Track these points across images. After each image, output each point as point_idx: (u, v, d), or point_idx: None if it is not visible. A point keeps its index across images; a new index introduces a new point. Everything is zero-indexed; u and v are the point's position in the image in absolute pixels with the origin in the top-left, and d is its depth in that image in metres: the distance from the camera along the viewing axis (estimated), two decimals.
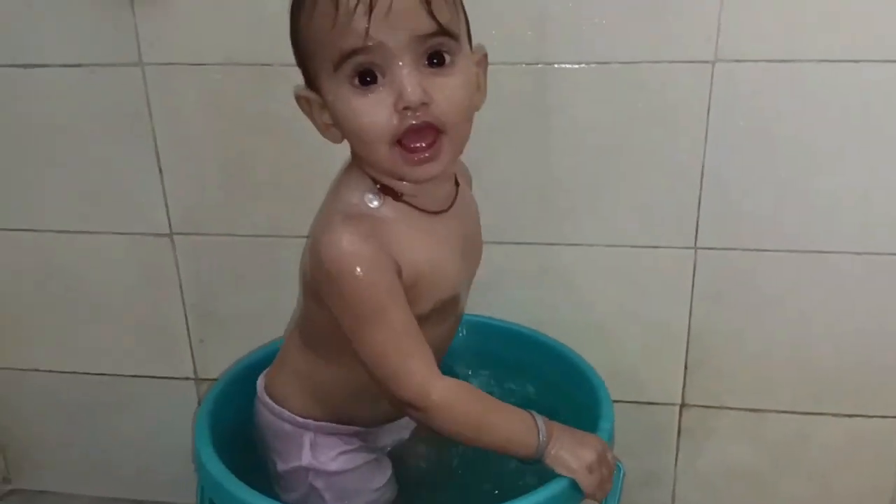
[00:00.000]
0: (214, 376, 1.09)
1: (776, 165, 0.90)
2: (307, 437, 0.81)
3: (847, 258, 0.92)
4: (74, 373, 1.15)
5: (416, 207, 0.73)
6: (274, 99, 0.91)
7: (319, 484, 0.81)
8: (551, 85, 0.90)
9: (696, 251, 0.95)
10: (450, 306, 0.78)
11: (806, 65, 0.85)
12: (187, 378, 1.13)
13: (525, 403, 0.73)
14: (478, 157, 0.82)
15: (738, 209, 0.92)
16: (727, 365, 1.00)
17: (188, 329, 1.09)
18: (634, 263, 0.97)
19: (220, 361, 1.02)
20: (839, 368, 0.98)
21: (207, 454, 0.75)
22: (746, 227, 0.93)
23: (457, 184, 0.78)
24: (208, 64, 0.94)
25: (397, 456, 0.88)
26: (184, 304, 1.08)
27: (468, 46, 0.70)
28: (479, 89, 0.71)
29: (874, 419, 0.99)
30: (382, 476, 0.84)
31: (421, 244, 0.72)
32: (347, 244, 0.68)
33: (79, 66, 0.96)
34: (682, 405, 1.03)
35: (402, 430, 0.88)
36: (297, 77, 0.73)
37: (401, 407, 0.72)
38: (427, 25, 0.64)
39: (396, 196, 0.72)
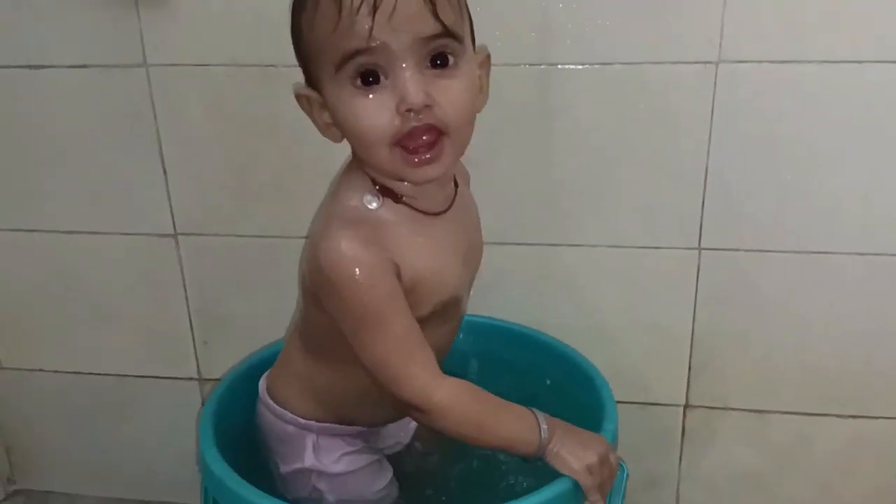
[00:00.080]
0: (218, 377, 1.09)
1: (780, 166, 0.90)
2: (310, 439, 0.81)
3: (852, 259, 0.92)
4: (78, 373, 1.15)
5: (415, 209, 0.73)
6: (278, 100, 0.91)
7: (322, 486, 0.81)
8: (554, 86, 0.90)
9: (699, 252, 0.95)
10: (451, 308, 0.78)
11: (810, 66, 0.85)
12: (191, 378, 1.13)
13: (528, 404, 0.73)
14: (480, 157, 0.82)
15: (742, 210, 0.92)
16: (731, 366, 1.00)
17: (192, 330, 1.10)
18: (638, 264, 0.96)
19: (224, 362, 1.03)
20: (843, 369, 0.97)
21: (211, 454, 0.75)
22: (750, 228, 0.93)
23: (456, 184, 0.78)
24: (213, 65, 0.94)
25: (397, 457, 0.88)
26: (188, 304, 1.08)
27: (472, 48, 0.70)
28: (481, 91, 0.71)
29: (878, 420, 0.99)
30: (384, 478, 0.84)
31: (421, 247, 0.72)
32: (346, 249, 0.68)
33: (84, 66, 0.96)
34: (687, 406, 1.03)
35: (403, 429, 0.88)
36: (301, 78, 0.73)
37: (403, 408, 0.72)
38: (431, 27, 0.64)
39: (396, 198, 0.72)
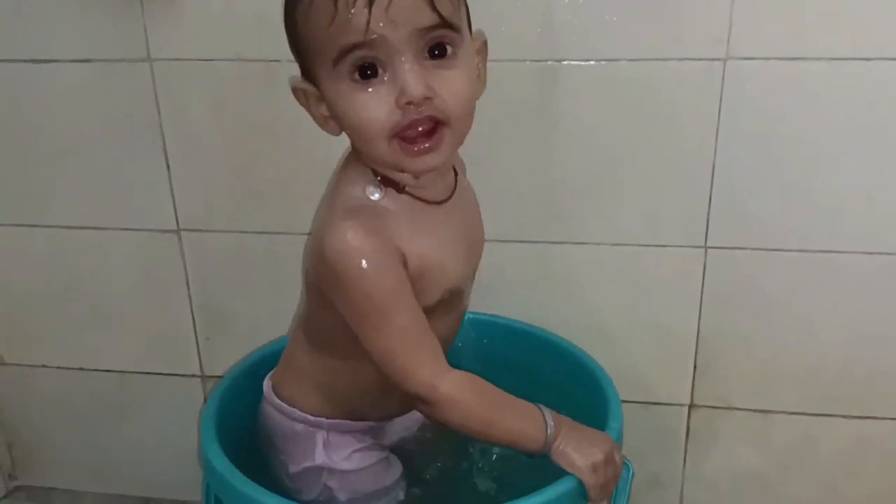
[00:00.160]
0: (221, 374, 1.09)
1: (787, 164, 0.89)
2: (320, 436, 0.80)
3: (857, 258, 0.92)
4: (81, 369, 1.15)
5: (418, 198, 0.73)
6: (283, 96, 0.89)
7: (333, 483, 0.80)
8: (558, 82, 0.89)
9: (706, 250, 0.94)
10: (455, 297, 0.78)
11: (818, 63, 0.84)
12: (194, 375, 1.13)
13: (532, 402, 0.73)
14: (483, 154, 0.82)
15: (746, 209, 0.91)
16: (735, 366, 0.99)
17: (195, 326, 1.09)
18: (642, 263, 0.96)
19: (227, 359, 1.02)
20: (847, 370, 0.97)
21: (213, 451, 0.75)
22: (756, 227, 0.92)
23: (455, 173, 0.77)
24: (217, 60, 0.94)
25: (405, 453, 0.88)
26: (190, 301, 1.08)
27: (469, 36, 0.69)
28: (479, 79, 0.71)
29: (883, 421, 0.99)
30: (393, 474, 0.83)
31: (426, 235, 0.72)
32: (352, 239, 0.67)
33: (88, 61, 0.96)
34: (691, 405, 1.02)
35: (411, 424, 0.88)
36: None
37: (410, 401, 0.72)
38: (429, 18, 0.63)
39: (398, 187, 0.72)
